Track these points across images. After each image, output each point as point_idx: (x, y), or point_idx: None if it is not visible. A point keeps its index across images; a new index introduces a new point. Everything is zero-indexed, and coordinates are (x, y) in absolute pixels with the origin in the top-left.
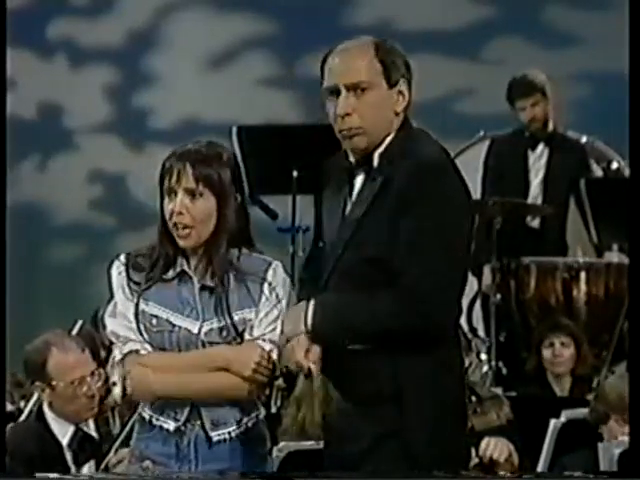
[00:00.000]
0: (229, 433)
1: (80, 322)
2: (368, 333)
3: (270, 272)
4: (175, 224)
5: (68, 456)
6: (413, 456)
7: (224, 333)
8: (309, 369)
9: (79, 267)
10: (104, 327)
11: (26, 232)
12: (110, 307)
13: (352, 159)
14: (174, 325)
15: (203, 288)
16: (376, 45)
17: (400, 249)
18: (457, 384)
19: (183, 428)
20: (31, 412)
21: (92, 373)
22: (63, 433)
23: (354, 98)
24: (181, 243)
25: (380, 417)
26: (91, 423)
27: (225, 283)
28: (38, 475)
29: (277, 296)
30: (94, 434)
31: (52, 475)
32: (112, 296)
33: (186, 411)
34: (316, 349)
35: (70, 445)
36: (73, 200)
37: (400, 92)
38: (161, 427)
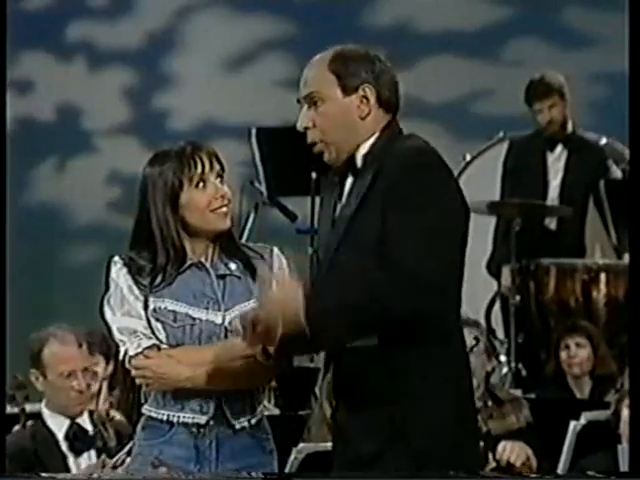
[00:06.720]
0: (248, 421)
1: None
2: (369, 317)
3: (275, 257)
4: (220, 207)
5: (64, 447)
6: (419, 458)
7: None
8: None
9: (97, 268)
10: (109, 327)
11: (44, 233)
12: (114, 305)
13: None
14: (194, 318)
15: (218, 277)
16: (333, 55)
17: (392, 239)
18: (461, 381)
19: (210, 423)
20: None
21: (85, 369)
22: (59, 427)
23: (311, 111)
24: (220, 226)
25: (383, 417)
26: (86, 417)
27: (240, 269)
28: (40, 475)
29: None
30: (89, 428)
31: (56, 475)
32: (110, 296)
33: (212, 403)
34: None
35: (66, 437)
36: (91, 201)
37: (363, 97)
38: (185, 424)
